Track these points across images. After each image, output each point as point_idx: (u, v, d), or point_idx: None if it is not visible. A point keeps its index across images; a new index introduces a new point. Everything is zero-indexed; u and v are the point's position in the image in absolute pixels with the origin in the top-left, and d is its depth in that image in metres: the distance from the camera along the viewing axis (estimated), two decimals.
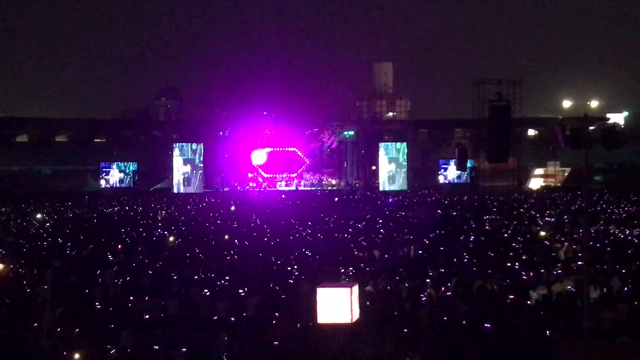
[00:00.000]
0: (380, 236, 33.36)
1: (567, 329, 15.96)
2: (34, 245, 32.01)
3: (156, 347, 15.87)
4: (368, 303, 17.90)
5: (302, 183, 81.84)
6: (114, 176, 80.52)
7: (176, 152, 77.29)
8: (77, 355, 14.65)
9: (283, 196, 68.11)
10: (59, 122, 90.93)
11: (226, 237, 32.53)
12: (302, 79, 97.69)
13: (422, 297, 20.06)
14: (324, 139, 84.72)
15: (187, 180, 77.14)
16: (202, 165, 78.36)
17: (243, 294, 20.67)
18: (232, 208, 53.22)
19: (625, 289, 20.35)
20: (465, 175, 75.88)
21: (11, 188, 75.35)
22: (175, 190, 75.94)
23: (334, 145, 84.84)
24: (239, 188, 79.14)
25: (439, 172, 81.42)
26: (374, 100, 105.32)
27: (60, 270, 23.78)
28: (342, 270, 23.15)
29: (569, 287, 20.33)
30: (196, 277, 23.33)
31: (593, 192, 57.06)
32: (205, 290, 21.14)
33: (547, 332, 16.02)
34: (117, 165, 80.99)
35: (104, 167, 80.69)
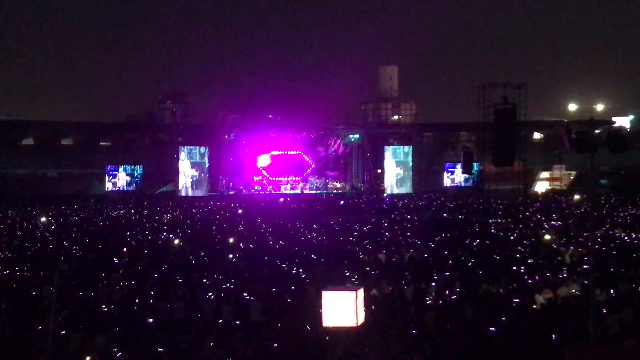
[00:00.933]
0: (386, 239, 33.32)
1: (573, 333, 15.92)
2: (39, 249, 32.04)
3: (160, 349, 15.88)
4: (373, 307, 17.90)
5: (307, 186, 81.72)
6: (121, 179, 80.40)
7: (183, 155, 77.11)
8: (87, 358, 14.69)
9: (288, 199, 68.03)
10: (65, 125, 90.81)
11: (231, 240, 32.52)
12: (307, 82, 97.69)
13: (428, 301, 20.05)
14: (329, 143, 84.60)
15: (195, 184, 76.93)
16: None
17: (248, 297, 20.67)
18: (240, 211, 53.22)
19: (631, 292, 20.31)
20: (474, 178, 75.70)
21: (17, 191, 75.41)
22: (183, 194, 75.82)
23: (340, 150, 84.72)
24: (244, 191, 79.05)
25: (447, 175, 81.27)
26: (379, 103, 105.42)
27: (65, 273, 23.82)
28: (348, 274, 23.13)
29: (575, 290, 20.31)
30: (202, 280, 23.35)
31: (598, 195, 56.92)
32: (210, 294, 21.15)
33: (553, 336, 15.97)
34: (124, 169, 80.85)
35: (111, 170, 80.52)
